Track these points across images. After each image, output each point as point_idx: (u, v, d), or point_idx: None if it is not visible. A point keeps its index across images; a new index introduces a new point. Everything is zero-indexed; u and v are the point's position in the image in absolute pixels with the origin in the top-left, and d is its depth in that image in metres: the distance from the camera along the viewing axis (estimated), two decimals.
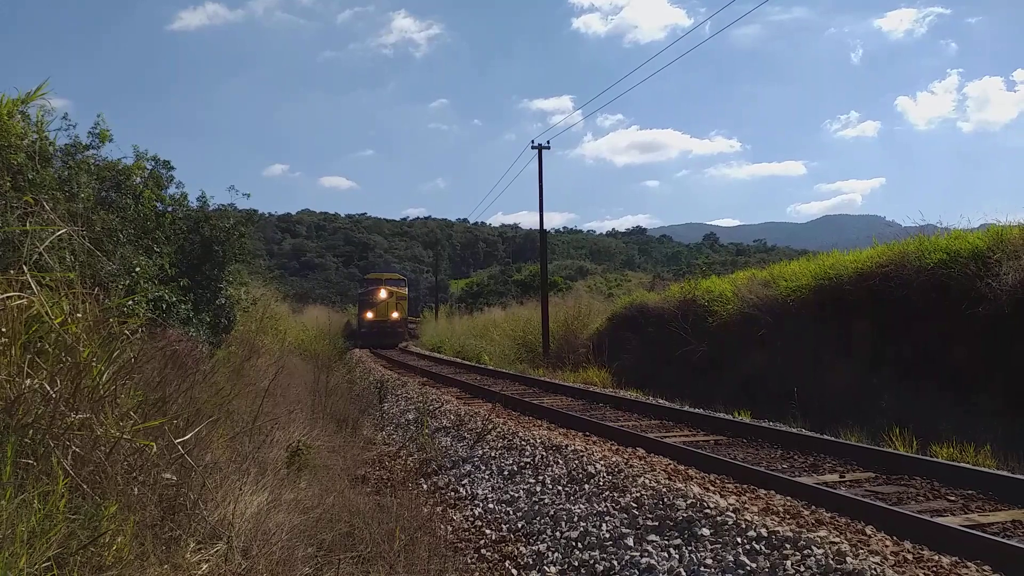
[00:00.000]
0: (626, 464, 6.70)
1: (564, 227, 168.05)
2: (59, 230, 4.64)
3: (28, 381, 3.26)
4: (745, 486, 6.11)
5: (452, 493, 7.40)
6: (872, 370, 11.01)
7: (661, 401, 12.48)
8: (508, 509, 6.53)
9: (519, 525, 6.10)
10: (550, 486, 6.69)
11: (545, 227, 25.77)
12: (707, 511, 5.15)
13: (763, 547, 4.52)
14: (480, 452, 8.41)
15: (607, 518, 5.59)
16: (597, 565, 4.96)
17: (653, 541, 5.03)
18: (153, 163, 10.49)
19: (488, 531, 6.13)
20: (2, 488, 2.74)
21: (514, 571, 5.19)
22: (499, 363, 22.91)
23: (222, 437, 5.32)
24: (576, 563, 5.11)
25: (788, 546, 4.45)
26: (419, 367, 22.01)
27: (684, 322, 15.74)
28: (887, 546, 4.46)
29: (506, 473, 7.47)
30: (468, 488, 7.41)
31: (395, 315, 38.53)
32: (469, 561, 5.41)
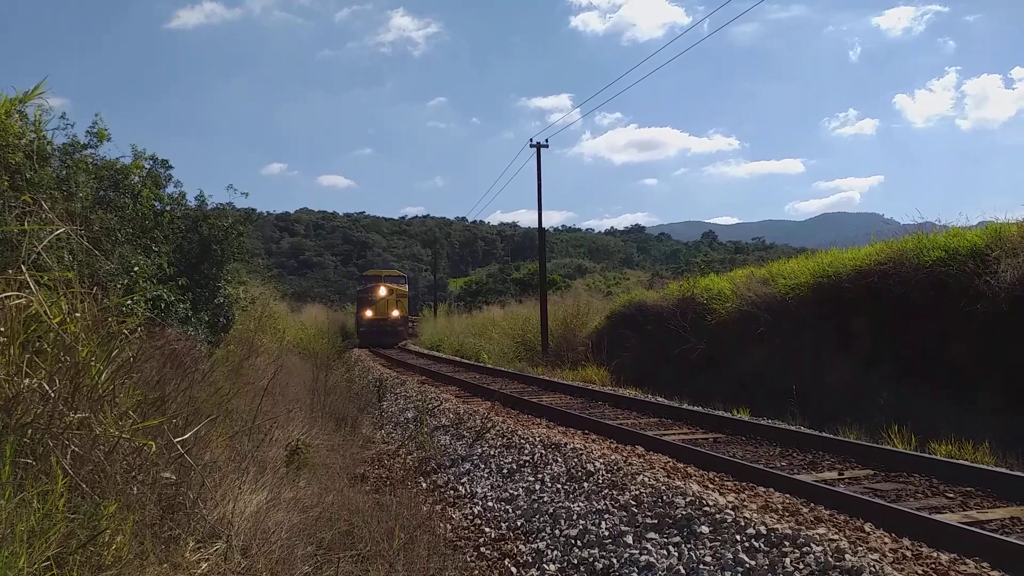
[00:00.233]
0: (625, 462, 6.71)
1: (563, 225, 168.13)
2: (57, 229, 4.63)
3: (27, 380, 3.25)
4: (744, 484, 6.12)
5: (451, 491, 7.41)
6: (871, 368, 11.02)
7: (660, 399, 12.49)
8: (507, 507, 6.53)
9: (518, 523, 6.10)
10: (549, 484, 6.70)
11: (544, 225, 25.75)
12: (706, 509, 5.16)
13: (762, 545, 4.53)
14: (479, 450, 8.42)
15: (606, 516, 5.59)
16: (596, 563, 4.97)
17: (652, 539, 5.03)
18: (151, 162, 10.49)
19: (487, 529, 6.13)
20: (1, 487, 2.74)
21: (513, 569, 5.20)
22: (498, 361, 22.92)
23: (221, 436, 5.32)
24: (575, 561, 5.11)
25: (787, 544, 4.45)
26: (418, 365, 22.01)
27: (683, 320, 15.75)
28: (886, 543, 4.47)
29: (505, 471, 7.47)
30: (467, 486, 7.41)
31: (395, 313, 37.21)
32: (468, 559, 5.42)
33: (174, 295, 8.92)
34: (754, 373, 13.06)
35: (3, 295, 3.46)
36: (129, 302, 6.89)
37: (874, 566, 3.97)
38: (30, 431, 3.12)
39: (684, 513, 5.20)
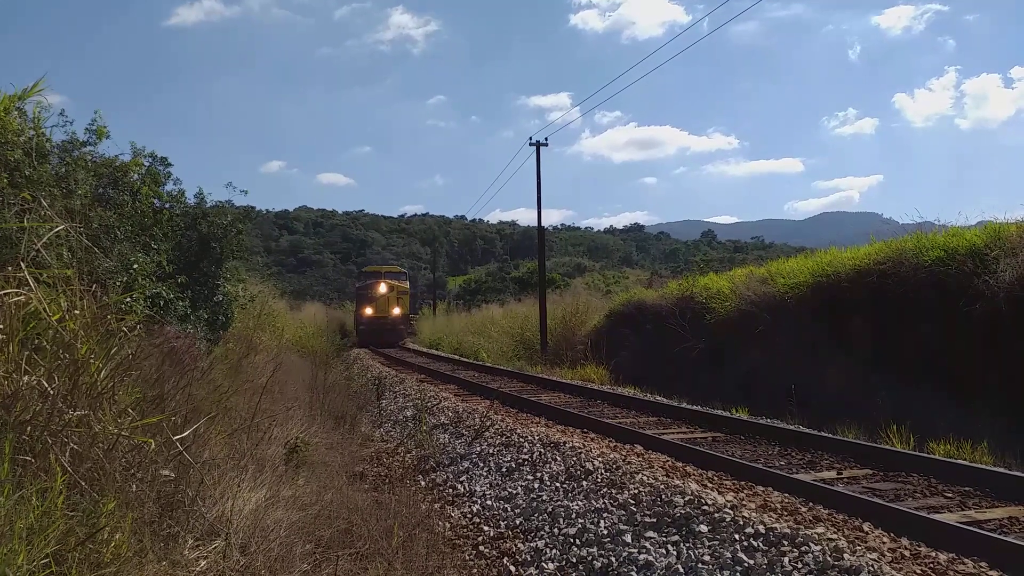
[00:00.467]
0: (624, 461, 6.71)
1: (562, 224, 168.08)
2: (57, 227, 4.62)
3: (26, 378, 3.25)
4: (743, 483, 6.13)
5: (450, 490, 7.41)
6: (869, 367, 11.02)
7: (659, 398, 12.50)
8: (506, 506, 6.54)
9: (517, 522, 6.11)
10: (548, 483, 6.70)
11: (543, 224, 25.74)
12: (705, 508, 5.16)
13: (761, 544, 4.53)
14: (478, 449, 8.42)
15: (605, 515, 5.60)
16: (595, 562, 4.97)
17: (651, 538, 5.04)
18: (150, 160, 10.46)
19: (486, 528, 6.13)
20: (0, 485, 2.73)
21: (512, 568, 5.20)
22: (497, 360, 22.92)
23: (220, 434, 5.32)
24: (574, 560, 5.12)
25: (786, 543, 4.46)
26: (417, 364, 22.01)
27: (682, 319, 15.75)
28: (884, 543, 4.47)
29: (504, 470, 7.47)
30: (466, 485, 7.41)
31: (396, 311, 35.15)
32: (467, 558, 5.42)
33: (173, 293, 8.91)
34: (753, 372, 13.06)
35: (3, 292, 3.46)
36: (128, 300, 6.89)
37: (872, 565, 3.97)
38: (29, 428, 3.12)
39: (683, 512, 5.20)
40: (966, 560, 4.23)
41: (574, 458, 7.07)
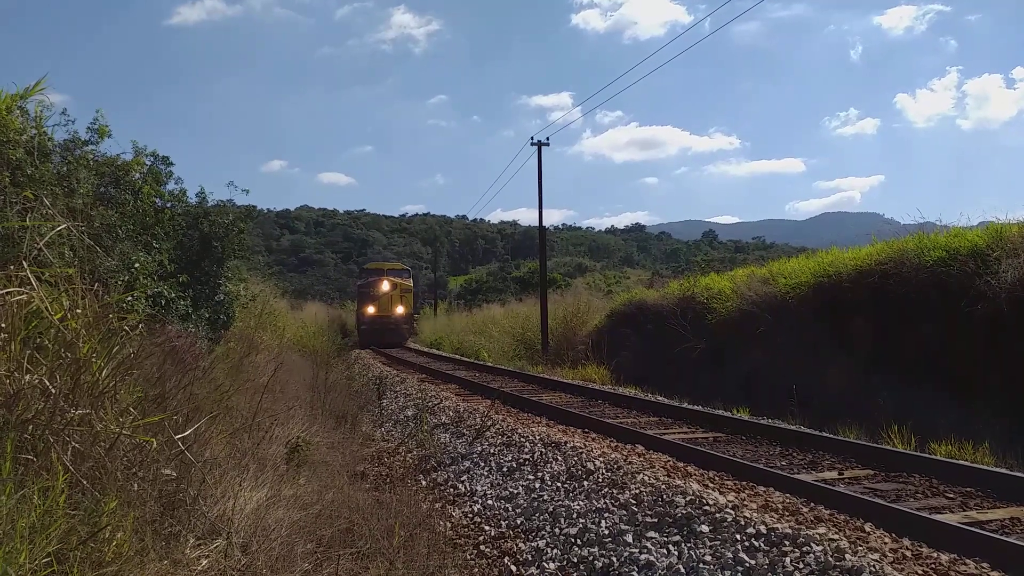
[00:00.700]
0: (625, 461, 6.71)
1: (563, 224, 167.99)
2: (59, 226, 4.63)
3: (28, 377, 3.25)
4: (744, 483, 6.12)
5: (451, 489, 7.41)
6: (871, 367, 11.02)
7: (660, 398, 12.49)
8: (507, 505, 6.54)
9: (518, 521, 6.10)
10: (549, 483, 6.70)
11: (544, 224, 25.74)
12: (706, 508, 5.16)
13: (762, 544, 4.53)
14: (479, 448, 8.42)
15: (606, 515, 5.59)
16: (596, 562, 4.97)
17: (652, 538, 5.03)
18: (152, 159, 10.47)
19: (487, 527, 6.13)
20: (2, 484, 2.73)
21: (513, 567, 5.20)
22: (498, 360, 22.93)
23: (221, 433, 5.32)
24: (575, 559, 5.11)
25: (787, 543, 4.45)
26: (418, 363, 22.02)
27: (683, 319, 15.75)
28: (886, 543, 4.47)
29: (505, 470, 7.47)
30: (467, 484, 7.41)
31: (399, 310, 33.36)
32: (468, 557, 5.42)
33: (175, 292, 8.92)
34: (754, 372, 13.06)
35: (4, 291, 3.46)
36: (130, 299, 6.89)
37: (874, 566, 3.97)
38: (31, 427, 3.12)
39: (684, 512, 5.20)
40: (968, 561, 4.22)
41: (575, 458, 7.07)
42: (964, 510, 5.48)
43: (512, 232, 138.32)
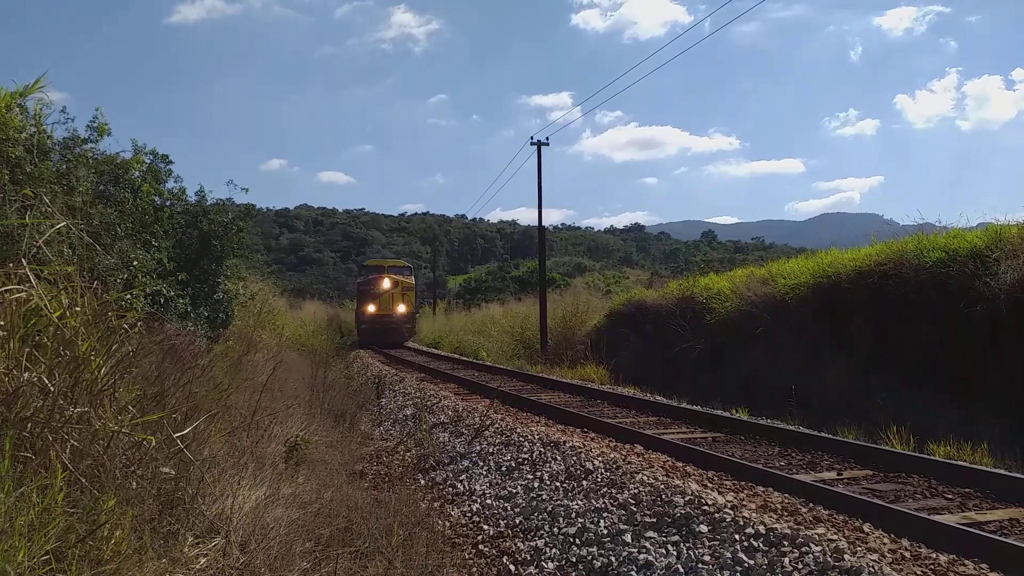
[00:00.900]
0: (624, 460, 6.71)
1: (562, 224, 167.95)
2: (58, 224, 4.62)
3: (26, 374, 3.25)
4: (743, 483, 6.12)
5: (450, 489, 7.41)
6: (870, 368, 11.02)
7: (659, 398, 12.49)
8: (506, 505, 6.53)
9: (517, 521, 6.10)
10: (548, 482, 6.70)
11: (543, 223, 25.73)
12: (705, 508, 5.16)
13: (761, 544, 4.53)
14: (478, 448, 8.41)
15: (605, 514, 5.59)
16: (595, 561, 4.97)
17: (651, 538, 5.03)
18: (151, 157, 10.46)
19: (486, 527, 6.13)
20: (1, 482, 2.73)
21: (512, 567, 5.20)
22: (497, 359, 22.92)
23: (220, 431, 5.32)
24: (574, 559, 5.11)
25: (786, 543, 4.45)
26: (417, 363, 22.01)
27: (682, 319, 15.75)
28: (885, 544, 4.47)
29: (504, 469, 7.47)
30: (466, 484, 7.41)
31: (401, 309, 31.68)
32: (467, 557, 5.42)
33: (174, 290, 8.91)
34: (753, 373, 13.06)
35: (3, 289, 3.45)
36: (129, 297, 6.88)
37: (873, 566, 3.97)
38: (30, 425, 3.12)
39: (683, 512, 5.20)
40: (966, 561, 4.22)
41: (574, 457, 7.07)
42: (963, 511, 5.48)
43: (511, 232, 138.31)
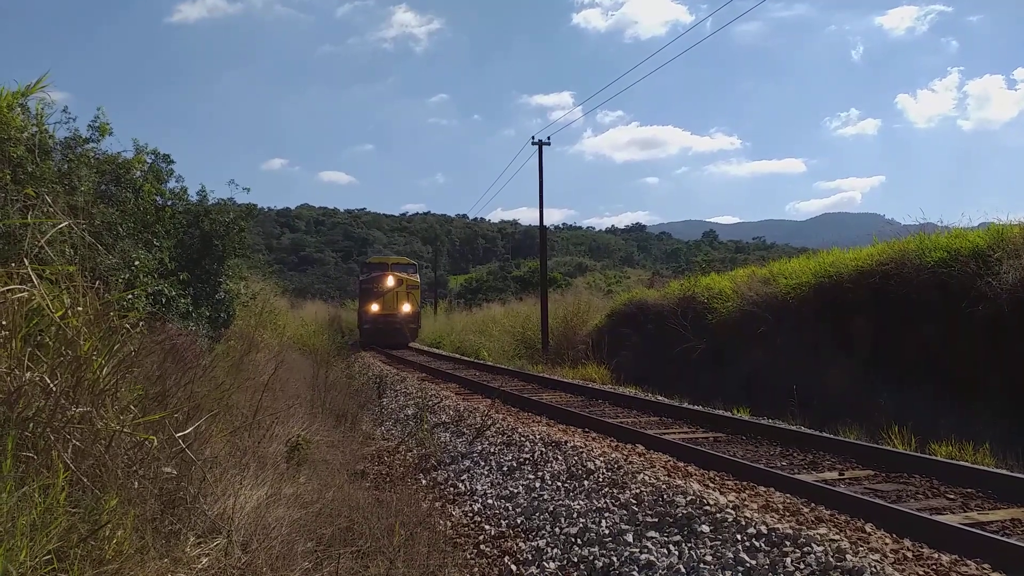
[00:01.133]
0: (625, 460, 6.71)
1: (563, 223, 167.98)
2: (59, 223, 4.62)
3: (28, 374, 3.25)
4: (745, 483, 6.11)
5: (451, 489, 7.40)
6: (871, 368, 11.01)
7: (660, 398, 12.48)
8: (507, 505, 6.53)
9: (518, 521, 6.10)
10: (549, 482, 6.69)
11: (545, 223, 25.72)
12: (707, 508, 5.15)
13: (763, 544, 4.53)
14: (479, 448, 8.41)
15: (606, 514, 5.59)
16: (596, 561, 4.96)
17: (652, 537, 5.03)
18: (153, 157, 10.48)
19: (487, 527, 6.13)
20: (3, 481, 2.73)
21: (513, 567, 5.20)
22: (498, 359, 22.92)
23: (222, 431, 5.32)
24: (575, 559, 5.11)
25: (788, 543, 4.45)
26: (418, 362, 22.01)
27: (684, 319, 15.75)
28: (887, 544, 4.46)
29: (505, 469, 7.47)
30: (467, 484, 7.41)
31: (406, 308, 29.89)
32: (468, 556, 5.42)
33: (175, 290, 8.92)
34: (755, 373, 13.06)
35: (6, 288, 3.46)
36: (130, 297, 6.89)
37: (875, 566, 3.97)
38: (32, 425, 3.12)
39: (685, 512, 5.19)
40: (968, 562, 4.22)
41: (575, 457, 7.06)
42: (965, 511, 5.47)
43: (512, 231, 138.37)
